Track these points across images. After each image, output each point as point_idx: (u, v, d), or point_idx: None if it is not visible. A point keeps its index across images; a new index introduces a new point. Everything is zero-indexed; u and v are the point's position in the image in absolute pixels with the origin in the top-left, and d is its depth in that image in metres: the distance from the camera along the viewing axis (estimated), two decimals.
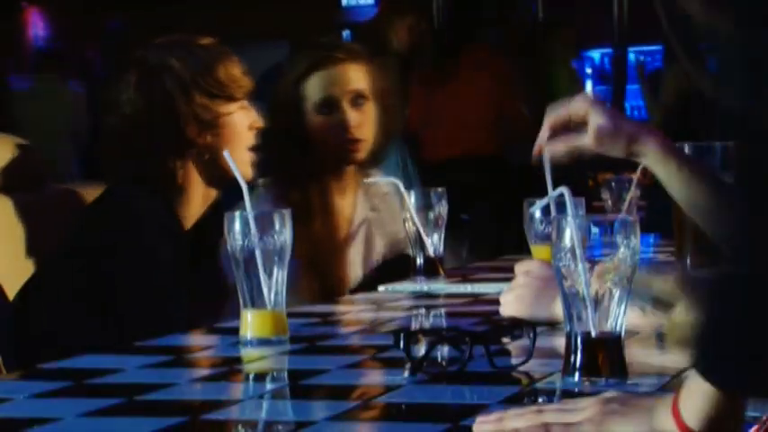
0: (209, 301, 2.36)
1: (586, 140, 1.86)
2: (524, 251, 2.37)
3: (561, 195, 1.48)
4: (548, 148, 1.86)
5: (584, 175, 5.00)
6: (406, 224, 2.51)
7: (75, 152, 6.96)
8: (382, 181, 2.79)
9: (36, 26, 9.88)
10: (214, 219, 2.37)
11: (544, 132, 1.87)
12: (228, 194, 2.35)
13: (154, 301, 2.18)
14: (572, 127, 1.87)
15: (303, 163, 2.70)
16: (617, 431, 1.20)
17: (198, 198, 2.36)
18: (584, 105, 1.86)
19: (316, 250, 2.67)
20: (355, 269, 2.78)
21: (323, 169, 2.72)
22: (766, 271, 1.03)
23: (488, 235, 5.12)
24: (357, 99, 2.70)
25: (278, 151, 2.72)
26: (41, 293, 2.25)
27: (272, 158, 2.71)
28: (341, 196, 2.79)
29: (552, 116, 1.87)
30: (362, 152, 2.71)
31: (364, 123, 2.70)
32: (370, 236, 2.86)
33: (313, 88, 2.70)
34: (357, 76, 2.72)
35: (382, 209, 2.88)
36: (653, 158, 1.87)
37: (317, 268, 2.67)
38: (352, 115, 2.68)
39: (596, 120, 1.85)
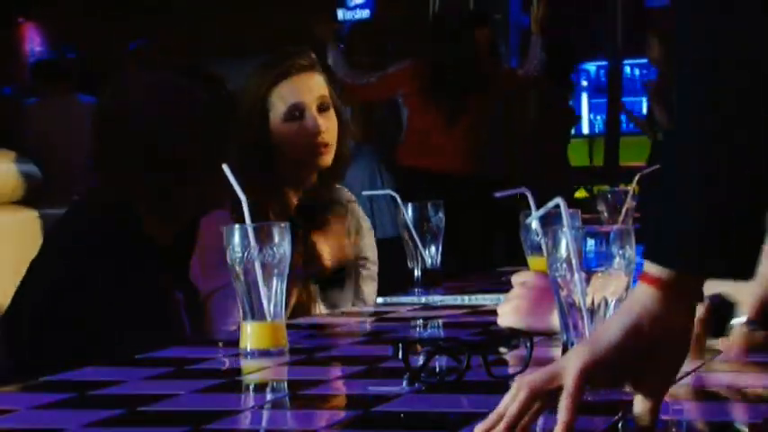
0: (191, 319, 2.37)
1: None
2: (516, 263, 2.39)
3: (557, 206, 1.50)
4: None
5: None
6: (404, 235, 2.53)
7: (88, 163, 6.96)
8: (379, 193, 2.81)
9: (33, 40, 9.90)
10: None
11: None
12: None
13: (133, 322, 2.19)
14: None
15: (268, 177, 2.71)
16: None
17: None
18: None
19: None
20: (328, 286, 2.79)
21: (287, 182, 2.74)
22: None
23: (475, 248, 5.13)
24: (322, 105, 2.73)
25: (244, 167, 2.73)
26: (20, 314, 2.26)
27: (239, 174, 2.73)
28: (325, 233, 2.79)
29: None
30: (329, 156, 2.73)
31: (330, 128, 2.73)
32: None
33: (280, 97, 2.71)
34: (320, 84, 2.75)
35: (348, 218, 2.90)
36: None
37: None
38: (320, 120, 2.70)
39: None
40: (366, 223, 2.96)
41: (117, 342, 2.08)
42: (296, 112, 2.70)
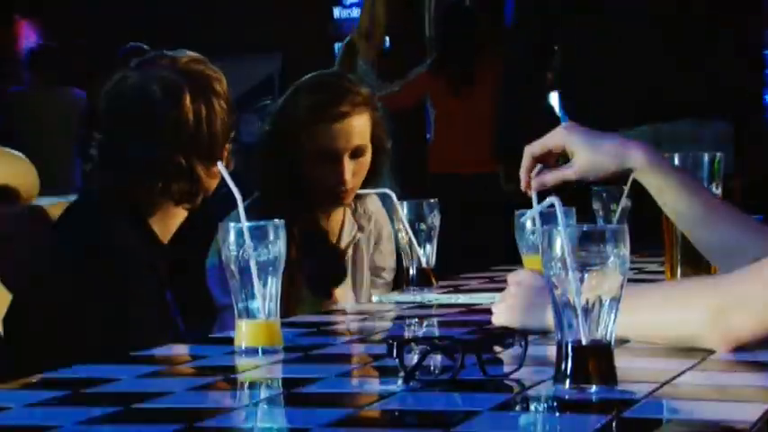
0: (196, 317, 2.37)
1: (570, 173, 1.91)
2: (515, 262, 2.39)
3: (551, 205, 1.50)
4: (534, 182, 1.91)
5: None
6: (399, 235, 2.54)
7: (79, 157, 6.98)
8: (374, 192, 2.81)
9: (29, 38, 9.88)
10: (192, 233, 2.41)
11: (525, 169, 1.92)
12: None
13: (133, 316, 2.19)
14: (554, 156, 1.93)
15: (292, 197, 2.73)
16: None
17: (178, 212, 2.38)
18: (560, 138, 1.91)
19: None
20: (344, 290, 2.80)
21: (311, 203, 2.77)
22: None
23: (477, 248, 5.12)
24: (357, 152, 2.74)
25: (271, 181, 2.75)
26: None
27: (261, 183, 2.75)
28: (327, 217, 2.82)
29: (529, 151, 1.93)
30: (349, 199, 2.77)
31: (358, 173, 2.75)
32: (359, 257, 2.90)
33: (316, 138, 2.72)
34: (360, 130, 2.74)
35: (370, 230, 2.93)
36: (639, 172, 1.91)
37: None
38: (349, 167, 2.71)
39: (575, 150, 1.90)
40: (386, 231, 2.96)
41: (111, 340, 2.09)
42: (328, 158, 2.71)
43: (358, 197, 2.87)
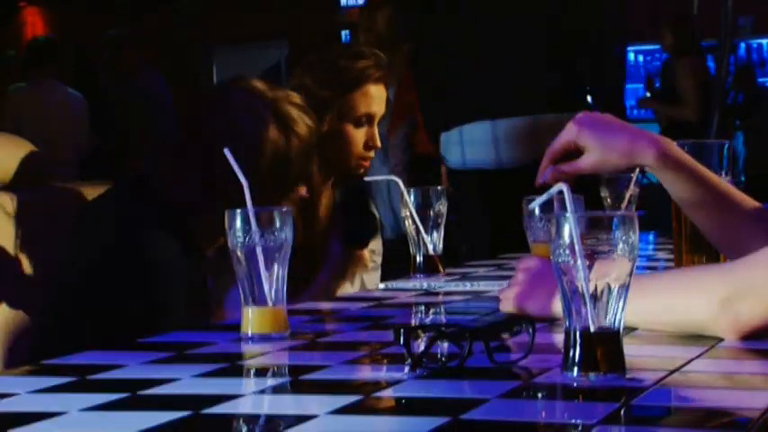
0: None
1: (584, 167, 1.91)
2: (523, 250, 2.39)
3: (560, 192, 1.49)
4: (551, 175, 1.91)
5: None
6: (407, 221, 2.53)
7: (74, 153, 6.99)
8: (382, 179, 2.81)
9: (34, 26, 9.89)
10: None
11: (544, 165, 1.94)
12: None
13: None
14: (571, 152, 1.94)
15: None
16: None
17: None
18: (572, 135, 1.92)
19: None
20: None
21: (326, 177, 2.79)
22: None
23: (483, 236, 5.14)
24: (381, 119, 2.83)
25: None
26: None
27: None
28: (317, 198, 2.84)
29: (550, 152, 1.95)
30: (366, 168, 2.81)
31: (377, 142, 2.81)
32: None
33: (359, 101, 2.76)
34: (384, 98, 2.82)
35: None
36: (651, 168, 1.90)
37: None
38: (371, 133, 2.78)
39: (587, 146, 1.90)
40: (374, 215, 2.98)
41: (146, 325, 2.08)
42: (364, 119, 2.76)
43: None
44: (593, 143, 1.92)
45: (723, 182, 1.97)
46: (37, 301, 2.35)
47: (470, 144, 3.88)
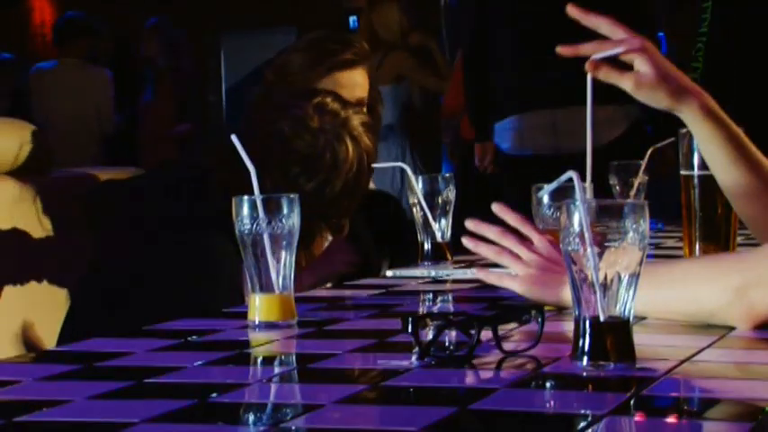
0: None
1: (626, 81, 1.85)
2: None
3: (569, 180, 1.48)
4: (590, 63, 1.83)
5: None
6: (414, 208, 2.52)
7: (100, 134, 7.02)
8: (389, 165, 2.80)
9: (42, 11, 9.87)
10: None
11: (591, 47, 1.85)
12: None
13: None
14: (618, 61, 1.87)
15: None
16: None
17: None
18: (635, 46, 1.85)
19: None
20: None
21: None
22: None
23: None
24: (360, 104, 2.74)
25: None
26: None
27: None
28: None
29: (598, 43, 1.85)
30: None
31: None
32: None
33: (324, 84, 2.71)
34: (362, 83, 2.76)
35: None
36: (691, 117, 1.87)
37: None
38: None
39: (641, 67, 1.85)
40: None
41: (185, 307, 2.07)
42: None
43: None
44: (652, 65, 1.84)
45: (758, 151, 1.93)
46: (72, 289, 2.35)
47: (529, 130, 3.97)
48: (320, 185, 2.26)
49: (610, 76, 1.85)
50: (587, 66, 1.84)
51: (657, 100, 1.86)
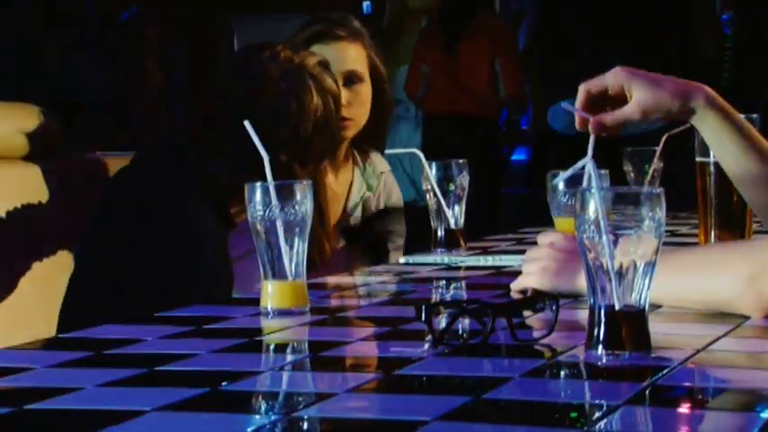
0: None
1: (632, 112, 1.83)
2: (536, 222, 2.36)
3: (585, 167, 1.47)
4: (592, 125, 1.83)
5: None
6: (428, 195, 2.51)
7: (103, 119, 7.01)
8: (403, 152, 2.78)
9: None
10: None
11: (580, 100, 1.84)
12: None
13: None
14: (609, 99, 1.85)
15: None
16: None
17: None
18: (619, 77, 1.84)
19: None
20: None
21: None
22: None
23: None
24: (351, 79, 2.72)
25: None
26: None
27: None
28: (334, 174, 2.79)
29: (585, 87, 1.84)
30: (350, 131, 2.73)
31: (354, 103, 2.72)
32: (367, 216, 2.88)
33: (334, 57, 2.69)
34: (354, 57, 2.74)
35: (380, 190, 2.90)
36: (699, 111, 1.85)
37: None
38: (344, 94, 2.66)
39: (636, 90, 1.83)
40: (395, 196, 2.95)
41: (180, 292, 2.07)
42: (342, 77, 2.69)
43: (368, 156, 2.85)
44: (644, 84, 1.82)
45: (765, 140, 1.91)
46: (73, 271, 2.35)
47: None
48: (291, 132, 2.28)
49: (615, 120, 1.84)
50: (591, 129, 1.82)
51: (667, 110, 1.84)
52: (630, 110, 1.83)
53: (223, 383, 1.27)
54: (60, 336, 1.58)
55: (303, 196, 1.73)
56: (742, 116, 1.88)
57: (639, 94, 1.82)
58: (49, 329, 2.24)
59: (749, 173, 1.88)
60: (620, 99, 1.83)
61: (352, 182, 2.86)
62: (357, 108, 2.72)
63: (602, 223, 1.34)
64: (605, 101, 1.85)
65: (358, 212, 2.87)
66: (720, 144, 1.88)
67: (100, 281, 2.24)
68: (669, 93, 1.83)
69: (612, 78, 1.83)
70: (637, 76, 1.84)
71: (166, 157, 2.37)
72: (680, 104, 1.83)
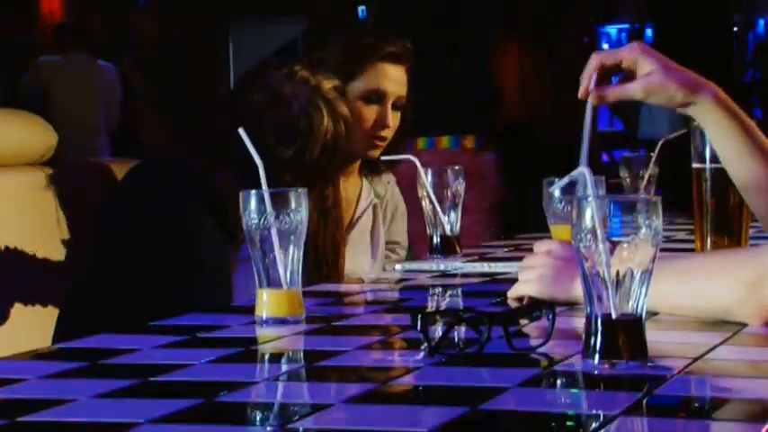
0: None
1: (635, 90, 1.83)
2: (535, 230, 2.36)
3: (582, 175, 1.46)
4: (593, 94, 1.83)
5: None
6: (423, 202, 2.50)
7: (107, 127, 7.02)
8: (399, 158, 2.78)
9: (51, 7, 9.86)
10: None
11: (588, 74, 1.84)
12: None
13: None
14: (619, 73, 1.84)
15: None
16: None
17: None
18: (634, 53, 1.83)
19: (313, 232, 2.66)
20: (360, 255, 2.78)
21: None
22: None
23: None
24: (397, 103, 2.74)
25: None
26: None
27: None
28: (344, 179, 2.80)
29: (598, 58, 1.84)
30: (379, 151, 2.75)
31: (393, 126, 2.75)
32: (376, 225, 2.88)
33: (366, 76, 2.71)
34: (403, 81, 2.78)
35: (387, 199, 2.91)
36: (705, 108, 1.84)
37: (314, 251, 2.65)
38: (391, 115, 2.71)
39: (647, 69, 1.82)
40: (401, 207, 2.96)
41: (178, 299, 2.06)
42: (374, 97, 2.71)
43: (377, 168, 2.86)
44: (657, 65, 1.81)
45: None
46: (70, 278, 2.35)
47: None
48: (298, 153, 2.27)
49: (617, 95, 1.84)
50: (591, 98, 1.82)
51: (670, 97, 1.83)
52: (634, 87, 1.82)
53: (218, 394, 1.26)
54: (54, 346, 1.57)
55: (298, 204, 1.72)
56: (749, 119, 1.87)
57: (649, 74, 1.81)
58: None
59: (753, 175, 1.87)
60: (631, 74, 1.83)
61: (360, 189, 2.87)
62: (393, 129, 2.78)
63: (598, 232, 1.34)
64: (616, 73, 1.84)
65: (368, 218, 2.87)
66: (725, 144, 1.87)
67: (98, 289, 2.23)
68: (677, 81, 1.82)
69: (627, 52, 1.83)
70: (650, 55, 1.82)
71: (170, 166, 2.36)
72: (684, 96, 1.82)
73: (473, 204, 3.15)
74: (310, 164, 2.29)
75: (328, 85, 2.35)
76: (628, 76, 1.84)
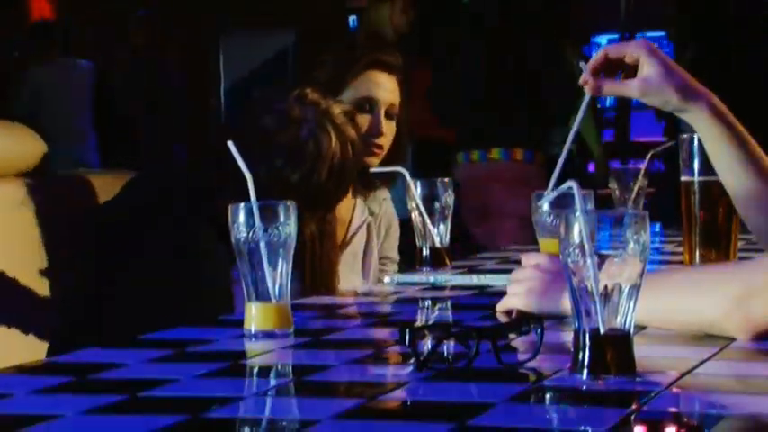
0: None
1: (632, 89, 1.83)
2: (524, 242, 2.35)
3: (570, 189, 1.46)
4: (591, 84, 1.84)
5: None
6: (413, 214, 2.50)
7: (90, 132, 7.03)
8: (388, 170, 2.77)
9: (41, 8, 9.85)
10: None
11: (591, 63, 1.85)
12: None
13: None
14: (623, 68, 1.85)
15: None
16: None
17: None
18: (639, 50, 1.83)
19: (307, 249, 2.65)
20: (352, 274, 2.77)
21: None
22: None
23: None
24: (390, 111, 2.75)
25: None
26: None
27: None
28: None
29: (605, 50, 1.85)
30: (377, 159, 2.75)
31: (388, 134, 2.75)
32: (370, 241, 2.88)
33: (356, 85, 2.72)
34: (395, 90, 2.77)
35: (380, 216, 2.91)
36: (700, 116, 1.84)
37: (310, 273, 2.63)
38: (384, 123, 2.71)
39: (647, 69, 1.82)
40: (395, 223, 2.96)
41: (176, 312, 2.06)
42: (367, 106, 2.71)
43: (371, 184, 2.85)
44: (658, 67, 1.82)
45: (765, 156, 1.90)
46: (64, 290, 2.34)
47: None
48: (305, 175, 2.26)
49: (614, 90, 1.84)
50: (589, 89, 1.83)
51: (665, 101, 1.83)
52: (631, 86, 1.84)
53: (206, 410, 1.26)
54: (41, 360, 1.57)
55: (287, 217, 1.72)
56: (744, 129, 1.87)
57: (648, 74, 1.82)
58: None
59: (744, 186, 1.87)
60: (634, 70, 1.84)
61: (354, 207, 2.86)
62: (389, 137, 2.76)
63: (586, 246, 1.34)
64: (620, 67, 1.85)
65: (362, 236, 2.87)
66: (717, 154, 1.88)
67: (93, 306, 2.22)
68: (674, 85, 1.82)
69: (633, 48, 1.84)
70: (654, 56, 1.83)
71: (167, 179, 2.36)
72: (679, 100, 1.83)
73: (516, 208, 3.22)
74: (317, 187, 2.27)
75: (338, 109, 2.35)
76: (630, 72, 1.85)
